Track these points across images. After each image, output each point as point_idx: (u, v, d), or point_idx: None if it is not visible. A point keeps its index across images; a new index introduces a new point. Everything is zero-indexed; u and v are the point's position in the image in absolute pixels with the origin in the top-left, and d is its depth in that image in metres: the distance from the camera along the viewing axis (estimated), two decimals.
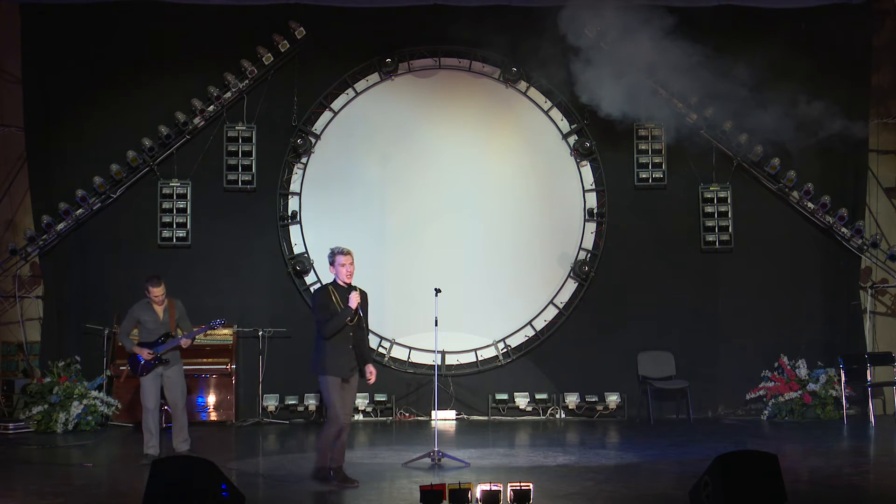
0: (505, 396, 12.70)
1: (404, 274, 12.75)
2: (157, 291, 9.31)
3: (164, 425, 10.06)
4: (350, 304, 7.67)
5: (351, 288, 7.78)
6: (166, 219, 12.65)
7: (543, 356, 12.87)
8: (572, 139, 13.05)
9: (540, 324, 12.92)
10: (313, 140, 12.96)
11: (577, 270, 12.87)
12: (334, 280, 7.85)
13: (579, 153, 13.01)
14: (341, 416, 7.67)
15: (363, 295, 7.85)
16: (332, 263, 7.82)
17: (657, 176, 12.97)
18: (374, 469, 8.52)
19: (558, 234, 13.05)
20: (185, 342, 9.34)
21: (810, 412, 12.08)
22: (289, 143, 12.87)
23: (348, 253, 7.80)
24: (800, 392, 12.10)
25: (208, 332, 9.77)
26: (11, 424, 11.36)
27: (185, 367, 9.60)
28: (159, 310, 9.37)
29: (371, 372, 7.86)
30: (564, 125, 13.11)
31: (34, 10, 12.49)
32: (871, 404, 11.93)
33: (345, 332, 7.70)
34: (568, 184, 13.08)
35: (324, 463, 7.78)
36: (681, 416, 12.53)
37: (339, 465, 7.82)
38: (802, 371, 12.25)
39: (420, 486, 6.80)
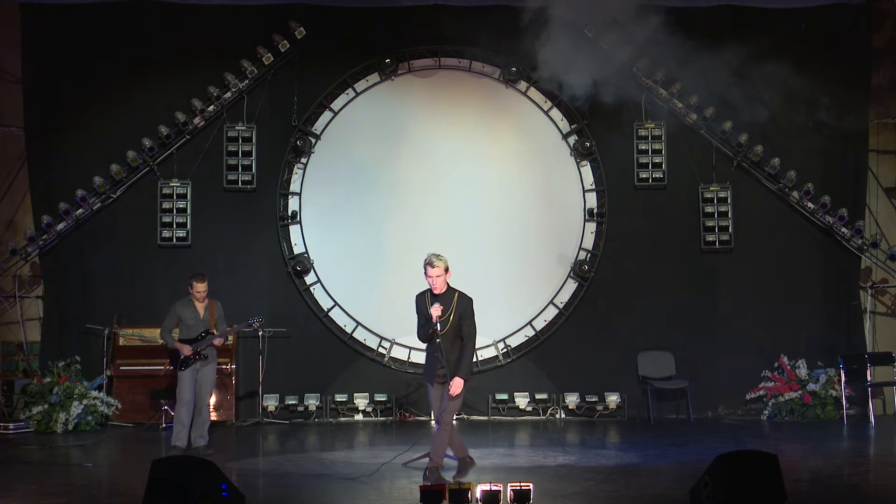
0: (505, 396, 12.69)
1: (404, 274, 12.65)
2: (201, 287, 9.61)
3: (165, 425, 10.09)
4: (431, 315, 7.61)
5: (440, 297, 7.68)
6: (166, 219, 12.65)
7: (543, 356, 12.87)
8: (572, 139, 13.05)
9: (540, 324, 12.92)
10: (313, 140, 12.95)
11: (577, 270, 12.87)
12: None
13: (579, 153, 13.01)
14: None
15: (463, 300, 7.69)
16: (424, 273, 7.75)
17: (657, 176, 12.96)
18: (375, 469, 8.50)
19: (558, 234, 13.05)
20: (218, 341, 9.66)
21: (810, 412, 12.07)
22: (289, 143, 12.87)
23: (436, 266, 7.65)
24: (800, 392, 12.10)
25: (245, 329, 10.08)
26: (11, 424, 11.36)
27: None
28: (200, 307, 9.66)
29: (451, 385, 7.68)
30: (564, 125, 13.10)
31: (34, 10, 12.50)
32: (871, 404, 11.93)
33: (433, 339, 7.72)
34: (568, 184, 13.08)
35: (462, 455, 8.00)
36: (681, 416, 12.52)
37: (463, 457, 8.06)
38: (802, 371, 12.24)
39: (420, 486, 6.80)
